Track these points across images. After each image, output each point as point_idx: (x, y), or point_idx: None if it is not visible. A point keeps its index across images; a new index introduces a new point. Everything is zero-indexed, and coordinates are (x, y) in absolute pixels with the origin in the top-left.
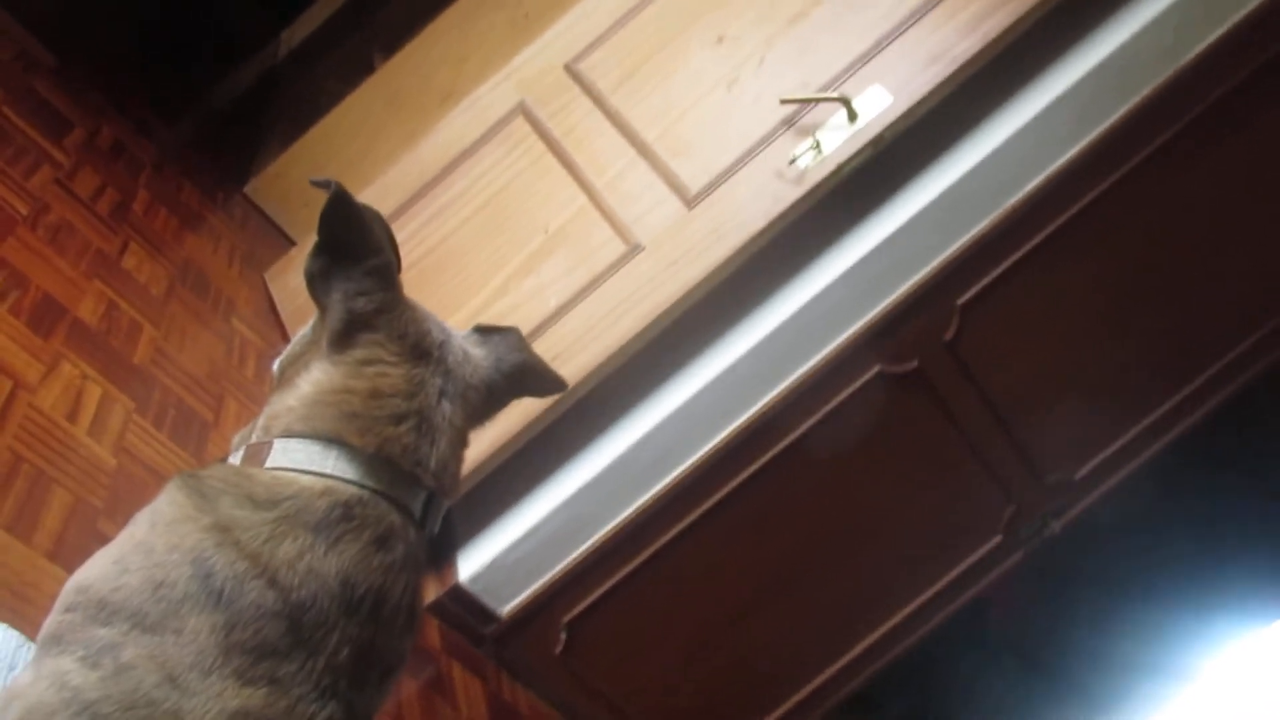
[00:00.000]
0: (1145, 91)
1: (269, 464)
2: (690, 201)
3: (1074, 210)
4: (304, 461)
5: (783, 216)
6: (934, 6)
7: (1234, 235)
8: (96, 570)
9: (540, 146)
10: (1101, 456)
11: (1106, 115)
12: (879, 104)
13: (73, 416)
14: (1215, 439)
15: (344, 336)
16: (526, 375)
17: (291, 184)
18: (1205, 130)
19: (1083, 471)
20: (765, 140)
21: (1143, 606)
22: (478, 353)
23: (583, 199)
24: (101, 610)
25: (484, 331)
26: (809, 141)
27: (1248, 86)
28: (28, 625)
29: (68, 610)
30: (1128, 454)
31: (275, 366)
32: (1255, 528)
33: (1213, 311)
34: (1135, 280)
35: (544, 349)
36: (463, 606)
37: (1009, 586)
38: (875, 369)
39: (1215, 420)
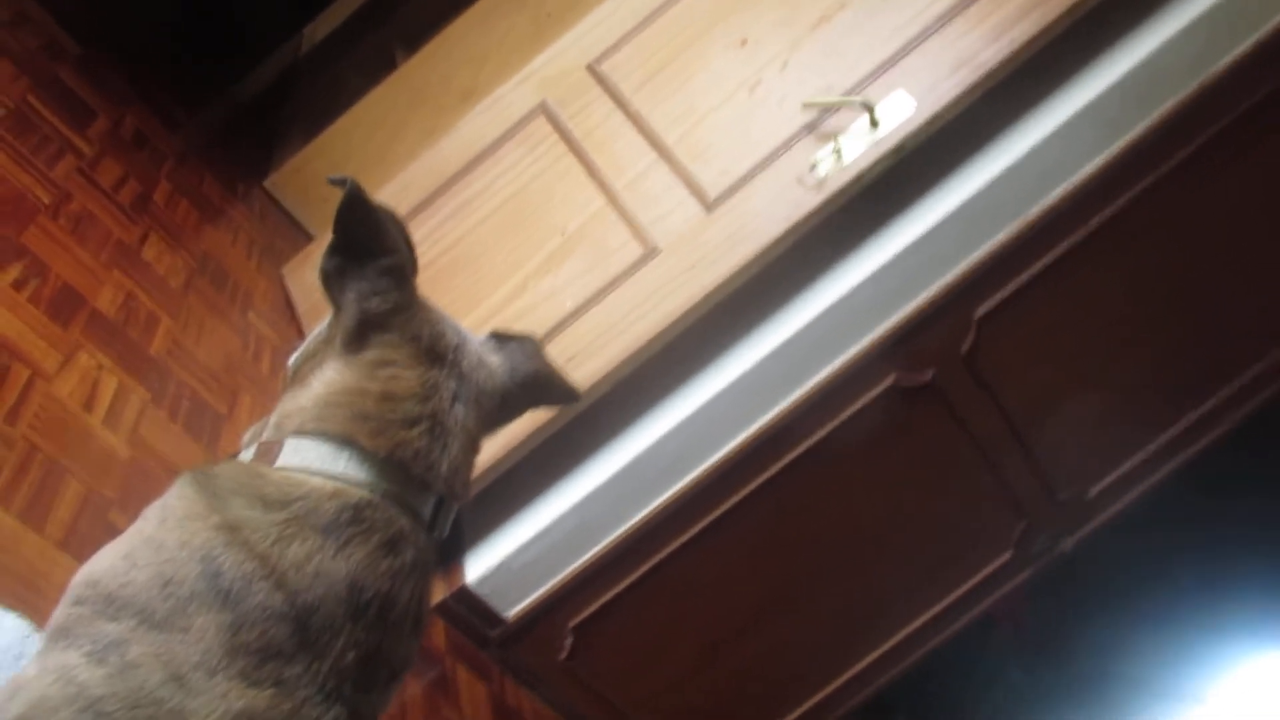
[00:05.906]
0: (1172, 103)
1: (280, 462)
2: (709, 205)
3: (1095, 224)
4: (315, 462)
5: (802, 223)
6: (960, 12)
7: (1259, 252)
8: (106, 564)
9: (560, 147)
10: (1115, 475)
11: (1132, 126)
12: (902, 110)
13: (88, 406)
14: (1229, 462)
15: (357, 337)
16: (540, 384)
17: (311, 179)
18: (1232, 144)
19: (1095, 490)
20: (786, 145)
21: (1151, 628)
22: (493, 359)
23: (601, 200)
24: (110, 605)
25: (500, 338)
26: (830, 147)
27: (1277, 100)
28: (37, 615)
29: (76, 603)
30: (1142, 473)
31: (290, 363)
32: (1265, 552)
33: (1234, 329)
34: (1156, 296)
35: (559, 350)
36: (469, 608)
37: (1017, 603)
38: (891, 379)
39: (1229, 443)
